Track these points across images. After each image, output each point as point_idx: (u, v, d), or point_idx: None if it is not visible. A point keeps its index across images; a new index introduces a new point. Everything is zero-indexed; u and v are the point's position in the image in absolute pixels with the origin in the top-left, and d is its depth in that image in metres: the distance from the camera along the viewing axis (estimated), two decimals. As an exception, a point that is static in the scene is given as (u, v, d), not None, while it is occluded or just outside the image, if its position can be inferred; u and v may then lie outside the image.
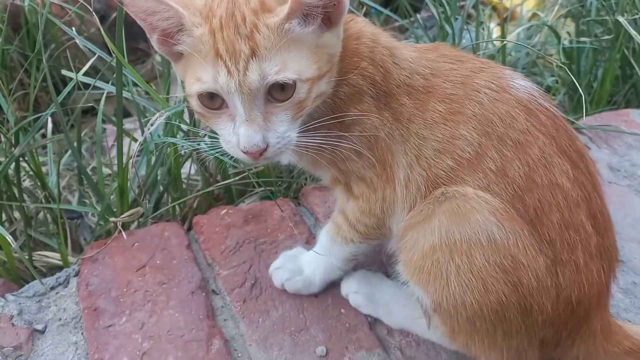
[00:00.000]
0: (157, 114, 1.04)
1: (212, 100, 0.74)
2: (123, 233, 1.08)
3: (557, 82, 1.52)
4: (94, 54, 1.33)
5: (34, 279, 1.12)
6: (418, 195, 0.82)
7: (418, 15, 2.12)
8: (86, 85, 1.32)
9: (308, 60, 0.74)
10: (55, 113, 1.19)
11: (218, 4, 0.74)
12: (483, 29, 2.09)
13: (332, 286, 1.00)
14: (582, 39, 1.49)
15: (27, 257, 1.17)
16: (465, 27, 1.61)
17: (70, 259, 1.20)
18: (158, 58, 1.99)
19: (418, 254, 0.81)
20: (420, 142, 0.81)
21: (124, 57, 1.20)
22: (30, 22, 1.77)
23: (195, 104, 0.76)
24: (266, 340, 0.94)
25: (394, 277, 0.92)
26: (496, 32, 2.07)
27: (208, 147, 0.86)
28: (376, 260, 1.01)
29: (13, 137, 1.22)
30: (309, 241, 1.10)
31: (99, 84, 1.33)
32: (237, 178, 1.25)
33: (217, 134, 0.79)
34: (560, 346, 0.84)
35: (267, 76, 0.71)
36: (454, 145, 0.80)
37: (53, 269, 1.24)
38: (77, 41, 1.37)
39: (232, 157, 0.80)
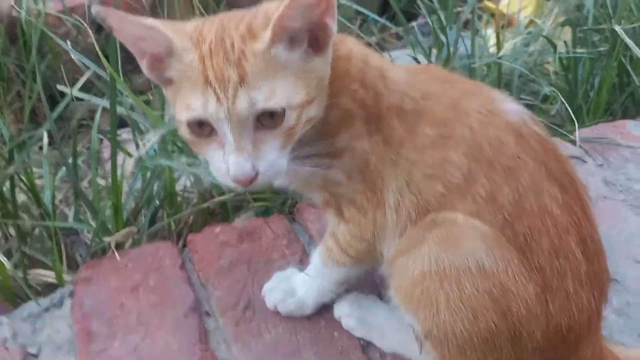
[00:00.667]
0: (151, 133, 1.04)
1: (202, 128, 0.74)
2: (116, 254, 1.08)
3: (553, 91, 1.51)
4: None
5: (28, 297, 1.12)
6: (408, 221, 0.82)
7: (414, 23, 2.12)
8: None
9: (296, 86, 0.73)
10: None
11: (208, 28, 0.74)
12: (480, 36, 2.08)
13: (324, 308, 0.99)
14: (579, 49, 1.48)
15: (21, 275, 1.17)
16: (461, 35, 1.60)
17: (66, 277, 1.21)
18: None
19: (408, 281, 0.81)
20: (411, 166, 0.81)
21: (118, 75, 1.20)
22: (27, 33, 1.77)
23: (184, 131, 0.76)
24: (259, 364, 0.94)
25: (387, 300, 0.92)
26: (493, 39, 2.06)
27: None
28: (369, 281, 1.01)
29: (7, 154, 1.23)
30: (303, 260, 1.10)
31: (94, 98, 1.34)
32: (232, 194, 1.25)
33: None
34: None
35: (256, 104, 0.71)
36: (444, 170, 0.80)
37: (48, 287, 1.24)
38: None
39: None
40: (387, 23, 1.83)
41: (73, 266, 1.31)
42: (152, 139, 1.08)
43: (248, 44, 0.71)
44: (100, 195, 1.37)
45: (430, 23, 1.68)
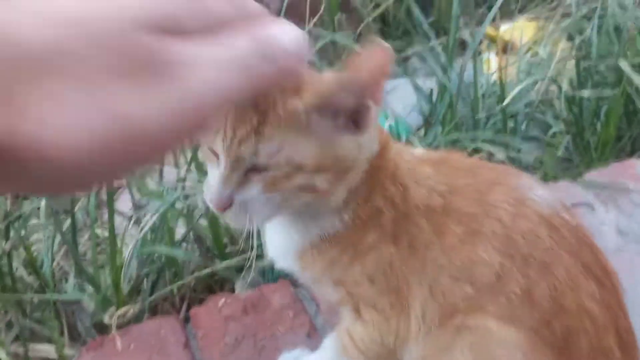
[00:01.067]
0: (149, 215, 1.02)
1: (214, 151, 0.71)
2: (118, 342, 1.05)
3: (561, 128, 1.48)
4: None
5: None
6: (433, 325, 0.77)
7: (412, 50, 2.09)
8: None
9: (307, 150, 0.68)
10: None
11: None
12: (481, 60, 2.05)
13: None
14: (584, 91, 1.45)
15: (22, 349, 1.15)
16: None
17: (68, 350, 1.18)
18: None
19: None
20: (438, 270, 0.76)
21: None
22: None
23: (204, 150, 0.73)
24: None
25: None
26: (495, 62, 2.03)
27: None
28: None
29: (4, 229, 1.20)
30: (311, 334, 1.07)
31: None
32: (238, 258, 1.22)
33: None
34: None
35: (259, 157, 0.67)
36: (473, 270, 0.74)
37: (50, 361, 1.22)
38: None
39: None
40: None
41: (75, 335, 1.29)
42: (149, 220, 1.05)
43: (285, 97, 0.66)
44: (99, 252, 1.34)
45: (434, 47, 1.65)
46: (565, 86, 1.46)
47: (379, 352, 0.82)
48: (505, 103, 1.27)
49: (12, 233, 1.19)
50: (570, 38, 1.90)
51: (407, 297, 0.77)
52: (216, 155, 0.70)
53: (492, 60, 2.01)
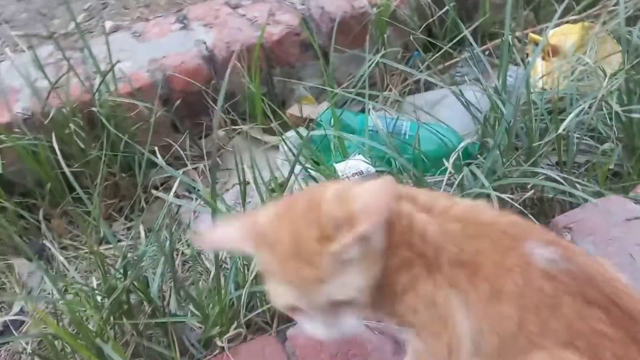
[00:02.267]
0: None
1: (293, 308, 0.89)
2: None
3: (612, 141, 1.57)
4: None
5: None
6: None
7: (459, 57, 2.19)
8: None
9: (363, 274, 0.86)
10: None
11: (280, 227, 0.86)
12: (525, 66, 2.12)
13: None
14: (633, 110, 1.53)
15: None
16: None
17: (180, 366, 1.37)
18: (221, 133, 2.12)
19: None
20: (477, 316, 0.91)
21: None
22: (105, 117, 1.90)
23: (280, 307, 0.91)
24: None
25: None
26: (541, 67, 2.10)
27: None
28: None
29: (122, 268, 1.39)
30: (397, 351, 1.23)
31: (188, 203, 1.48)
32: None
33: None
34: None
35: (331, 297, 0.85)
36: (500, 325, 0.90)
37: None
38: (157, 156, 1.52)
39: None
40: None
41: (182, 350, 1.48)
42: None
43: (323, 246, 0.82)
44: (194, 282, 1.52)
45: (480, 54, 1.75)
46: (614, 101, 1.54)
47: None
48: (561, 130, 1.36)
49: (129, 271, 1.37)
50: (617, 40, 1.96)
51: (455, 323, 0.92)
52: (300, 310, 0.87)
53: (538, 66, 2.09)
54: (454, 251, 0.92)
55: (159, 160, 1.49)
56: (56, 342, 1.41)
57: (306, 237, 0.83)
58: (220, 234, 0.90)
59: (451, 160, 1.37)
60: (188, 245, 1.68)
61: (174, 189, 1.49)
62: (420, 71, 2.05)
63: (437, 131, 1.74)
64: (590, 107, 1.42)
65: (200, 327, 1.45)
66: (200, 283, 1.55)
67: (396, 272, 0.92)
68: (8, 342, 1.60)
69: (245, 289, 1.29)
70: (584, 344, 0.87)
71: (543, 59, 2.12)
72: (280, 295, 0.87)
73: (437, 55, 2.13)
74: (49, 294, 1.46)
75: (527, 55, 2.18)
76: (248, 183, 1.70)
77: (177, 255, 1.74)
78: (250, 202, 1.66)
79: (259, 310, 1.40)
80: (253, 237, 0.86)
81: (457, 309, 0.92)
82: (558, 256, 0.92)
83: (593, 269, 0.93)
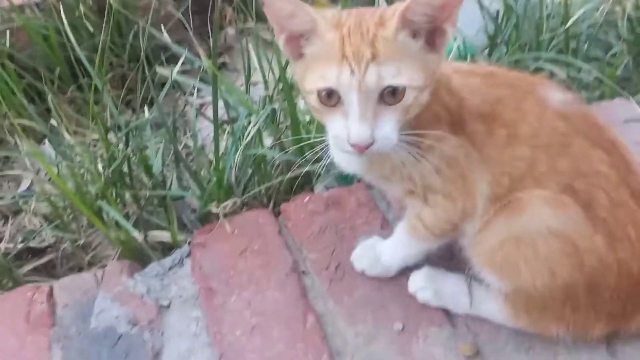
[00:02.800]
0: (250, 125, 1.21)
1: (330, 98, 0.86)
2: (227, 225, 1.28)
3: (622, 51, 1.55)
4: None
5: (149, 256, 1.34)
6: (490, 205, 0.97)
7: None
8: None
9: (417, 71, 0.85)
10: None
11: (347, 16, 0.87)
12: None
13: (406, 270, 1.16)
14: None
15: (144, 237, 1.39)
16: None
17: (179, 237, 1.42)
18: (231, 31, 2.12)
19: (489, 248, 0.97)
20: (492, 163, 0.95)
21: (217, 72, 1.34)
22: (114, 5, 1.91)
23: (313, 99, 0.88)
24: (351, 317, 1.12)
25: (455, 270, 1.10)
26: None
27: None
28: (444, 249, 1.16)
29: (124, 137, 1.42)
30: (383, 225, 1.27)
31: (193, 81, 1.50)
32: (317, 166, 1.40)
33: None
34: (625, 318, 0.98)
35: (384, 79, 0.83)
36: (513, 166, 0.95)
37: (164, 245, 1.47)
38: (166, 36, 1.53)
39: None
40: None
41: (181, 227, 1.53)
42: (251, 129, 1.25)
43: (380, 30, 0.84)
44: (193, 158, 1.55)
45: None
46: (629, 7, 1.51)
47: (445, 228, 1.02)
48: (567, 25, 1.35)
49: (131, 141, 1.40)
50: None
51: (473, 182, 0.96)
52: (338, 101, 0.85)
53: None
54: (475, 103, 0.95)
55: (165, 36, 1.49)
56: (60, 210, 1.48)
57: (368, 22, 0.85)
58: (297, 1, 0.85)
59: (454, 48, 1.36)
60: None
61: (178, 66, 1.50)
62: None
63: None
64: (601, 6, 1.39)
65: (199, 205, 1.49)
66: (203, 172, 1.58)
67: (427, 126, 0.92)
68: (16, 214, 1.66)
69: (239, 151, 1.30)
70: (583, 184, 0.92)
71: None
72: (328, 77, 0.84)
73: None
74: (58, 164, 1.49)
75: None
76: (256, 84, 1.72)
77: (182, 145, 1.79)
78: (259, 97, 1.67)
79: (256, 190, 1.44)
80: (320, 17, 0.86)
81: (476, 167, 0.96)
82: (571, 99, 0.98)
83: (598, 116, 0.99)
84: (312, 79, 0.87)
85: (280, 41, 0.90)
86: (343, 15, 0.88)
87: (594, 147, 0.94)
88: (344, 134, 0.86)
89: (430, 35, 0.86)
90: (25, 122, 1.68)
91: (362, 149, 0.86)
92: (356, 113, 0.84)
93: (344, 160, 1.02)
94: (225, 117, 1.61)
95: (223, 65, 2.18)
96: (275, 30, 0.90)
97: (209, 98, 1.91)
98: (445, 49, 0.89)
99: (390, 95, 0.85)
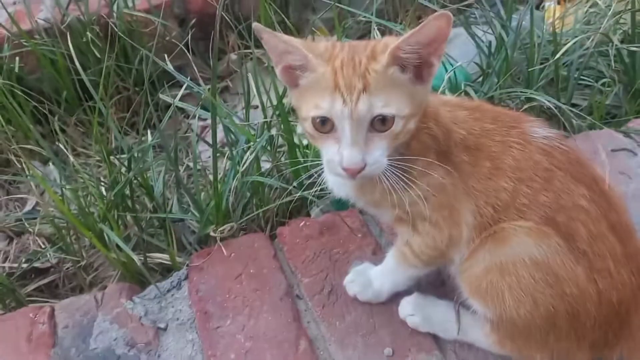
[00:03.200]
0: (247, 152, 1.25)
1: (324, 125, 0.92)
2: (223, 249, 1.31)
3: (613, 79, 1.58)
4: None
5: (147, 279, 1.37)
6: (475, 235, 1.01)
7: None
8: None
9: (404, 101, 0.91)
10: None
11: (339, 49, 0.93)
12: (544, 9, 2.12)
13: (397, 295, 1.19)
14: (634, 47, 1.54)
15: (142, 259, 1.43)
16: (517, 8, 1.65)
17: (177, 259, 1.46)
18: (233, 56, 2.17)
19: (475, 276, 1.01)
20: (477, 194, 0.99)
21: (215, 98, 1.38)
22: (121, 31, 1.97)
23: (308, 126, 0.94)
24: (342, 341, 1.15)
25: (444, 297, 1.13)
26: (557, 10, 2.10)
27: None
28: (435, 277, 1.19)
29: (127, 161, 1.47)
30: (376, 251, 1.30)
31: (194, 108, 1.55)
32: (312, 190, 1.44)
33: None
34: (608, 346, 1.01)
35: (374, 108, 0.89)
36: (496, 197, 0.99)
37: (164, 266, 1.50)
38: (168, 66, 1.58)
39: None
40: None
41: (180, 248, 1.57)
42: (249, 157, 1.30)
43: (371, 63, 0.90)
44: (194, 181, 1.59)
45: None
46: (617, 39, 1.55)
47: (432, 255, 1.05)
48: (557, 57, 1.39)
49: (133, 164, 1.45)
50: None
51: (459, 210, 1.00)
52: (332, 128, 0.91)
53: (552, 9, 2.09)
54: (462, 135, 1.00)
55: (169, 66, 1.54)
56: (63, 231, 1.52)
57: (361, 55, 0.90)
58: (286, 38, 0.92)
59: (446, 77, 1.40)
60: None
61: (180, 94, 1.55)
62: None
63: (445, 67, 1.76)
64: (590, 39, 1.43)
65: (198, 227, 1.53)
66: (202, 195, 1.62)
67: (416, 154, 0.97)
68: (20, 235, 1.70)
69: (236, 178, 1.35)
70: (564, 218, 0.96)
71: (559, 3, 2.12)
72: (321, 106, 0.90)
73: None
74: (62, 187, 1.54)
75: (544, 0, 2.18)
76: (257, 107, 1.76)
77: (183, 168, 1.83)
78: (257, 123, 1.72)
79: (254, 213, 1.48)
80: (313, 51, 0.92)
81: (461, 196, 1.00)
82: (554, 134, 1.02)
83: (580, 153, 1.04)
84: (307, 107, 0.93)
85: (278, 71, 0.96)
86: (336, 48, 0.93)
87: (575, 182, 0.98)
88: (337, 159, 0.92)
89: (418, 68, 0.92)
90: (31, 145, 1.72)
91: (353, 173, 0.91)
92: (348, 139, 0.90)
93: (337, 185, 1.07)
94: (227, 140, 1.65)
95: (225, 89, 2.23)
96: (272, 60, 0.96)
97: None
98: (432, 80, 0.95)
99: (380, 123, 0.90)
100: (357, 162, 0.90)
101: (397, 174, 0.95)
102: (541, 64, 1.54)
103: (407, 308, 1.15)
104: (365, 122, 0.89)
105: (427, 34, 0.87)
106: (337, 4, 2.00)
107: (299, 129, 1.60)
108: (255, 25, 0.93)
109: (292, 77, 0.95)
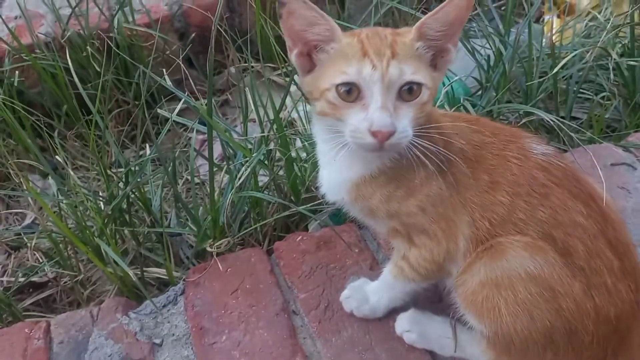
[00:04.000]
0: (244, 167, 1.25)
1: (349, 93, 0.91)
2: (219, 264, 1.31)
3: (612, 93, 1.58)
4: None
5: (143, 295, 1.37)
6: (473, 248, 1.00)
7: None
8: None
9: (428, 75, 0.93)
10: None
11: (360, 30, 0.95)
12: (542, 21, 2.12)
13: (393, 311, 1.18)
14: (626, 60, 1.53)
15: (138, 273, 1.42)
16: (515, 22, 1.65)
17: (174, 273, 1.45)
18: (232, 70, 2.18)
19: (471, 290, 0.99)
20: (473, 207, 0.99)
21: (211, 109, 1.39)
22: (121, 45, 1.98)
23: (331, 95, 0.92)
24: (339, 358, 1.14)
25: (441, 313, 1.11)
26: (556, 24, 2.10)
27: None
28: (432, 291, 1.18)
29: (124, 175, 1.47)
30: (373, 266, 1.29)
31: (191, 122, 1.55)
32: (309, 205, 1.44)
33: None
34: None
35: (405, 74, 0.90)
36: (493, 212, 0.97)
37: (161, 281, 1.50)
38: (166, 81, 1.58)
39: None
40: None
41: (177, 262, 1.57)
42: (245, 171, 1.30)
43: (397, 37, 0.92)
44: (192, 195, 1.59)
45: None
46: (615, 52, 1.55)
47: (430, 269, 1.04)
48: (555, 70, 1.39)
49: (130, 178, 1.45)
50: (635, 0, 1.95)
51: (456, 222, 0.99)
52: (358, 95, 0.90)
53: (553, 23, 2.09)
54: (461, 145, 0.99)
55: (167, 83, 1.55)
56: (60, 246, 1.51)
57: (385, 32, 0.93)
58: (319, 10, 0.92)
59: (443, 91, 1.40)
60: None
61: (177, 109, 1.55)
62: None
63: (443, 81, 1.76)
64: (589, 53, 1.43)
65: (195, 242, 1.53)
66: (200, 209, 1.62)
67: (416, 165, 0.96)
68: (18, 249, 1.70)
69: (231, 192, 1.34)
70: (562, 234, 0.96)
71: (558, 16, 2.12)
72: (349, 72, 0.89)
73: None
74: (59, 202, 1.54)
75: (544, 13, 2.18)
76: (254, 121, 1.76)
77: (182, 181, 1.83)
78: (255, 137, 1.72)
79: (251, 228, 1.47)
80: (338, 30, 0.93)
81: (458, 208, 0.99)
82: (551, 151, 1.02)
83: (577, 169, 1.03)
84: (330, 76, 0.92)
85: (293, 56, 0.96)
86: (355, 31, 0.95)
87: (572, 198, 0.97)
88: (365, 125, 0.89)
89: (434, 57, 0.94)
90: (30, 160, 1.73)
91: (384, 137, 0.89)
92: (379, 103, 0.89)
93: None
94: (225, 154, 1.65)
95: (226, 102, 2.23)
96: (288, 44, 0.97)
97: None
98: (446, 70, 0.97)
99: (407, 92, 0.91)
100: (388, 123, 0.88)
101: (395, 184, 0.96)
102: (540, 77, 1.53)
103: (404, 324, 1.14)
104: (394, 88, 0.90)
105: (450, 13, 0.90)
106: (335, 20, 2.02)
107: (298, 143, 1.61)
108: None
109: (306, 62, 0.96)
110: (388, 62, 0.88)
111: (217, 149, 1.74)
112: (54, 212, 1.48)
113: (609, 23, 1.73)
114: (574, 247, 0.95)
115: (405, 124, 0.90)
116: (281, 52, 1.67)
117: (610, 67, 1.50)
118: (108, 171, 1.58)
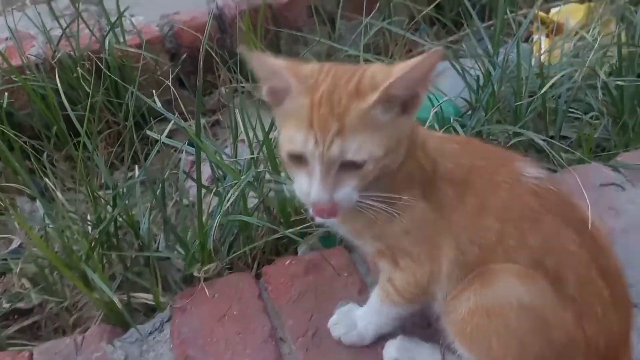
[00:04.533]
0: (231, 190, 1.24)
1: (297, 159, 0.91)
2: (206, 290, 1.29)
3: (601, 112, 1.58)
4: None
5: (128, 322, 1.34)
6: (459, 273, 0.98)
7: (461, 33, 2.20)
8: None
9: (379, 143, 0.88)
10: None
11: (323, 78, 0.90)
12: (531, 40, 2.13)
13: (382, 338, 1.16)
14: (614, 80, 1.54)
15: (125, 299, 1.40)
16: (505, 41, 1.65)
17: (161, 298, 1.43)
18: (223, 90, 2.18)
19: (460, 318, 0.97)
20: (460, 230, 0.97)
21: (199, 135, 1.37)
22: (112, 66, 1.98)
23: (283, 155, 0.93)
24: (327, 386, 1.12)
25: (430, 340, 1.10)
26: (545, 44, 2.11)
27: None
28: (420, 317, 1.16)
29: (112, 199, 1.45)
30: (361, 291, 1.27)
31: (181, 144, 1.54)
32: (299, 227, 1.42)
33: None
34: None
35: (346, 154, 0.87)
36: (481, 236, 0.96)
37: (148, 306, 1.48)
38: (156, 102, 1.58)
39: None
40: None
41: (166, 286, 1.54)
42: (231, 193, 1.28)
43: (354, 102, 0.87)
44: (181, 218, 1.58)
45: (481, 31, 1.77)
46: (603, 72, 1.55)
47: (414, 292, 1.03)
48: (544, 90, 1.39)
49: (118, 202, 1.43)
50: (622, 20, 1.96)
51: (440, 246, 0.98)
52: (304, 162, 0.89)
53: (542, 42, 2.09)
54: (449, 168, 0.98)
55: (157, 105, 1.54)
56: (46, 271, 1.49)
57: (343, 90, 0.88)
58: (273, 60, 0.90)
59: (432, 112, 1.39)
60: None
61: (166, 131, 1.54)
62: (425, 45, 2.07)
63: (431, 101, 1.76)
64: (577, 72, 1.43)
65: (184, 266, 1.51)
66: (189, 232, 1.60)
67: (400, 184, 0.95)
68: (3, 275, 1.68)
69: (218, 216, 1.33)
70: (553, 262, 0.94)
71: (547, 36, 2.13)
72: (295, 141, 0.88)
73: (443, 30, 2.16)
74: (45, 226, 1.52)
75: (532, 33, 2.19)
76: (242, 141, 1.75)
77: (172, 203, 1.81)
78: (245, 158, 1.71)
79: (240, 251, 1.45)
80: (296, 76, 0.90)
81: (443, 231, 0.98)
82: (544, 175, 1.00)
83: (569, 195, 1.02)
84: (284, 136, 0.92)
85: (263, 91, 0.95)
86: (322, 73, 0.90)
87: (564, 225, 0.96)
88: (307, 192, 0.90)
89: (403, 101, 0.90)
90: (18, 184, 1.72)
91: (320, 211, 0.91)
92: (317, 177, 0.88)
93: None
94: (214, 175, 1.64)
95: (217, 123, 2.23)
96: (259, 81, 0.95)
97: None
98: (417, 111, 0.93)
99: (351, 164, 0.89)
100: (324, 199, 0.89)
101: (381, 205, 0.93)
102: (530, 96, 1.53)
103: (392, 352, 1.12)
104: (336, 164, 0.88)
105: (421, 71, 0.86)
106: (324, 40, 2.03)
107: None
108: (240, 48, 0.92)
109: (276, 97, 0.94)
110: (332, 139, 0.86)
111: (207, 171, 1.72)
112: (41, 236, 1.47)
113: (596, 43, 1.74)
114: (566, 276, 0.93)
115: (346, 192, 0.90)
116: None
117: (599, 87, 1.50)
118: (96, 193, 1.57)
